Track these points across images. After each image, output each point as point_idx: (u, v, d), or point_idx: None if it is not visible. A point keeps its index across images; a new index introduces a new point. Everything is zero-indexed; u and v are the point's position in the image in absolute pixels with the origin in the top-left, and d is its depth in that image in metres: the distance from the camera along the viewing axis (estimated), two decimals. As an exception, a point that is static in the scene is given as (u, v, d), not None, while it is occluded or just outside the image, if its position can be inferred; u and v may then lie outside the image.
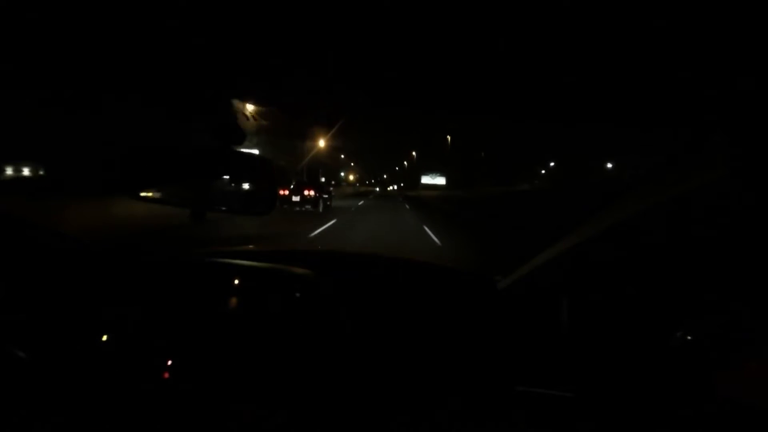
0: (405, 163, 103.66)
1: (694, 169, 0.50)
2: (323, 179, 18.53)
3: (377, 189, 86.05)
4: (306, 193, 11.59)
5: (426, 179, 77.16)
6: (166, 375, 0.56)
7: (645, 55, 0.49)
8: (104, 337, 0.58)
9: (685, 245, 0.59)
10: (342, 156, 62.08)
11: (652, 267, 0.67)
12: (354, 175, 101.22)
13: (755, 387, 0.51)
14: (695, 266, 0.61)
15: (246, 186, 0.76)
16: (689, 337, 0.58)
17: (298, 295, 0.70)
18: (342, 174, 75.52)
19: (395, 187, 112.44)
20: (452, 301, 0.95)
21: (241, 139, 0.69)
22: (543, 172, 55.81)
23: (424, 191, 51.17)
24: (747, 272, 0.54)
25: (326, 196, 13.19)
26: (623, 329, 0.72)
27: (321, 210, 11.86)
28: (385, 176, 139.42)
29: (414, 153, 78.11)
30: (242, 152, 0.71)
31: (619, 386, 0.65)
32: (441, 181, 76.50)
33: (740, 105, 0.49)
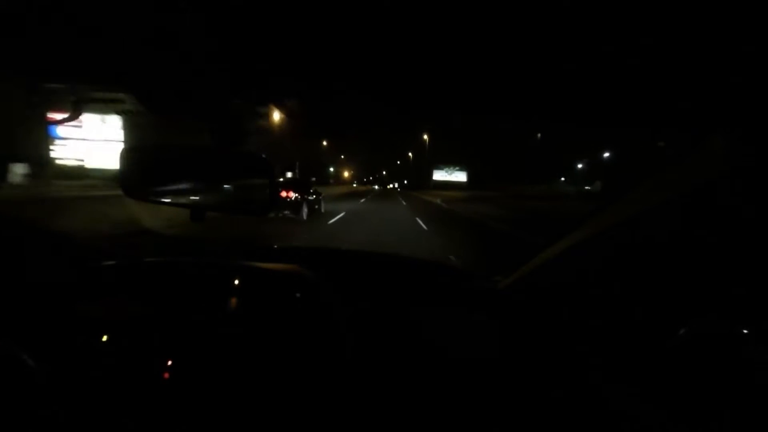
0: (410, 154, 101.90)
1: (694, 169, 0.64)
2: (290, 174, 17.20)
3: (376, 187, 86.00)
4: (284, 195, 10.41)
5: (439, 175, 72.91)
6: (166, 375, 0.69)
7: (644, 54, 0.62)
8: (104, 337, 0.72)
9: (685, 244, 0.73)
10: (324, 143, 59.84)
11: (653, 266, 0.80)
12: (349, 171, 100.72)
13: (755, 386, 0.65)
14: (696, 265, 0.75)
15: (246, 186, 0.90)
16: (691, 337, 0.71)
17: (298, 295, 0.83)
18: (332, 169, 74.42)
19: (396, 185, 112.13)
20: (451, 301, 1.09)
21: (242, 138, 0.83)
22: (580, 166, 53.22)
23: (440, 191, 47.40)
24: (747, 271, 0.68)
25: (313, 198, 11.99)
26: (624, 329, 0.84)
27: (305, 217, 10.80)
28: (384, 172, 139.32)
29: (426, 137, 74.95)
30: (241, 152, 0.86)
31: (619, 386, 0.79)
32: (461, 177, 73.30)
33: (740, 105, 0.63)
